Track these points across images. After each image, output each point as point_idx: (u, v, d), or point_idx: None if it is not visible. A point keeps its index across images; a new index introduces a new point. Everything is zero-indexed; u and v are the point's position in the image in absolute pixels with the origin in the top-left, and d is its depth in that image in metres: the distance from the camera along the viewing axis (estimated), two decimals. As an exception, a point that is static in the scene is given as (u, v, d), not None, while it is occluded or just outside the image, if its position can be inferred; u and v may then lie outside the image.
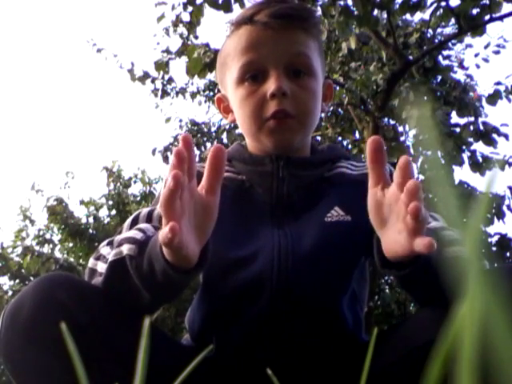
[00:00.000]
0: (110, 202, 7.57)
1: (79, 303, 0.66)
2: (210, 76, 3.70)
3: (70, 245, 7.19)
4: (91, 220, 7.44)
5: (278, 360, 0.77)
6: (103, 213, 7.77)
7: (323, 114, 5.29)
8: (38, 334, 0.63)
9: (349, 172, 0.90)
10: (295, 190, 0.86)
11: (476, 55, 4.69)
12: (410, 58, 3.91)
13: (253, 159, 0.90)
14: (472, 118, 4.47)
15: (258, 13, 0.86)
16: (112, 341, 0.68)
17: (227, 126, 5.64)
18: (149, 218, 0.84)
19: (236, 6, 3.10)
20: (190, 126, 5.97)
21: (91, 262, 0.77)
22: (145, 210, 0.86)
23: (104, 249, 0.77)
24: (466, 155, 4.45)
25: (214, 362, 0.76)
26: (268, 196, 0.86)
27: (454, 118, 4.67)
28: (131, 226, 0.84)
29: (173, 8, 3.63)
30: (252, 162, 0.89)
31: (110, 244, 0.79)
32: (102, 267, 0.74)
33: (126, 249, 0.69)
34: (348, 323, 0.80)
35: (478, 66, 4.82)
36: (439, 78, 4.86)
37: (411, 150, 4.76)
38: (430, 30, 4.50)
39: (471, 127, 4.32)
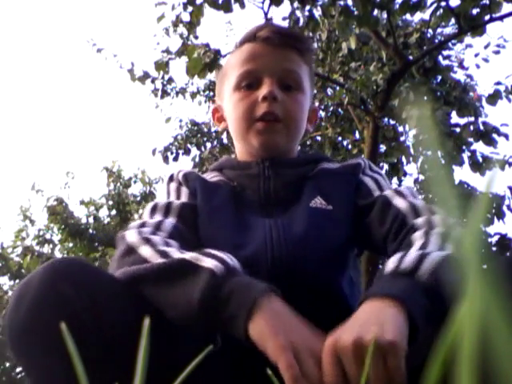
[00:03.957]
0: (110, 202, 7.58)
1: (83, 297, 0.63)
2: (210, 76, 3.70)
3: (70, 245, 7.20)
4: (91, 220, 7.45)
5: None
6: (103, 213, 7.77)
7: (323, 114, 5.30)
8: (37, 329, 0.62)
9: (329, 167, 0.97)
10: (281, 187, 0.92)
11: (476, 55, 4.69)
12: (410, 58, 3.91)
13: (241, 165, 0.97)
14: (472, 118, 4.47)
15: (260, 30, 0.97)
16: (114, 338, 0.66)
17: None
18: (167, 210, 0.88)
19: (236, 6, 3.11)
20: (190, 126, 5.97)
21: (133, 236, 0.76)
22: (161, 203, 0.90)
23: (154, 237, 0.76)
24: (466, 155, 4.45)
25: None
26: (257, 195, 0.92)
27: (454, 118, 4.67)
28: (151, 214, 0.87)
29: (173, 8, 3.64)
30: (240, 168, 0.97)
31: (155, 234, 0.78)
32: (147, 252, 0.71)
33: (209, 263, 0.66)
34: (349, 302, 0.82)
35: (478, 66, 4.83)
36: (439, 77, 4.86)
37: (411, 150, 4.76)
38: (430, 30, 4.50)
39: (471, 127, 4.32)
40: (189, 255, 0.69)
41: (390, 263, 0.67)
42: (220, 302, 0.63)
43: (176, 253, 0.71)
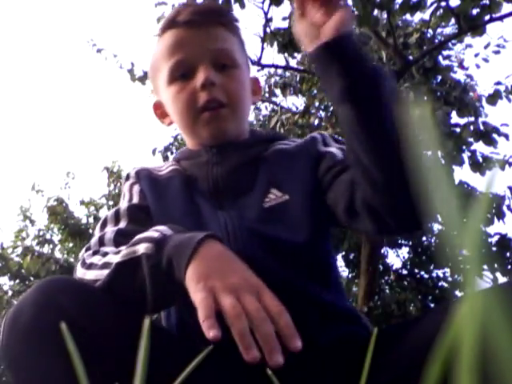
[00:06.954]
0: (111, 202, 7.58)
1: (80, 306, 0.65)
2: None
3: (70, 245, 7.20)
4: (91, 220, 7.44)
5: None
6: (103, 213, 7.76)
7: (323, 114, 5.29)
8: (38, 339, 0.62)
9: (285, 147, 0.94)
10: (229, 172, 0.90)
11: (476, 55, 4.69)
12: (410, 58, 3.91)
13: (192, 154, 0.96)
14: (472, 118, 4.48)
15: (179, 14, 0.92)
16: (113, 342, 0.66)
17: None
18: (116, 217, 0.88)
19: (236, 6, 3.11)
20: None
21: (80, 271, 0.77)
22: (110, 213, 0.90)
23: (93, 258, 0.78)
24: (466, 155, 4.45)
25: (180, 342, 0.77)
26: (206, 184, 0.90)
27: (454, 118, 4.67)
28: (101, 230, 0.87)
29: (173, 8, 3.63)
30: (192, 157, 0.95)
31: (96, 253, 0.79)
32: (92, 275, 0.74)
33: (142, 248, 0.69)
34: (318, 299, 0.81)
35: (478, 66, 4.83)
36: (439, 78, 4.86)
37: (411, 150, 4.76)
38: (430, 30, 4.50)
39: (471, 127, 4.32)
40: (124, 252, 0.71)
41: None
42: (166, 273, 0.66)
43: (114, 257, 0.73)
